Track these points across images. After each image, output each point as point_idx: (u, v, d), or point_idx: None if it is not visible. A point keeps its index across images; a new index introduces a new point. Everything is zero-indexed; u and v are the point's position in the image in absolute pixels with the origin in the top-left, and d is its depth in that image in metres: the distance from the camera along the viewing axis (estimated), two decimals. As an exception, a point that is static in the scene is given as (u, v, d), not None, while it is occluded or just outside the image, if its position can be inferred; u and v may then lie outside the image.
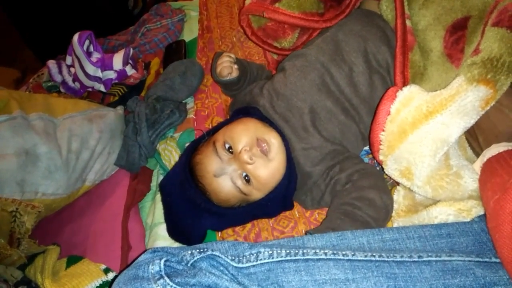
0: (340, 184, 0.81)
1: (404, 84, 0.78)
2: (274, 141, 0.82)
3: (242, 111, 0.91)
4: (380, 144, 0.73)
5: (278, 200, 0.84)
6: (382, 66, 0.86)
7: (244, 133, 0.82)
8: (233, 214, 0.85)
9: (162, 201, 0.92)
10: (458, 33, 0.78)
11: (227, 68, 1.01)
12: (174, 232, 0.89)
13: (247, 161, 0.78)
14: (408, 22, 0.82)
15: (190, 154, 0.88)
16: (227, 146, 0.81)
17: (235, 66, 1.03)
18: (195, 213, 0.85)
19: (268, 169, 0.80)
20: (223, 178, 0.80)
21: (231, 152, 0.81)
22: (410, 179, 0.72)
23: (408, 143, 0.69)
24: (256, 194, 0.82)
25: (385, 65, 0.86)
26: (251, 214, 0.87)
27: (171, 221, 0.89)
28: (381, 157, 0.74)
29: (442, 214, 0.70)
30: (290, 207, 0.87)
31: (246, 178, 0.80)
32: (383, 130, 0.72)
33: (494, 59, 0.67)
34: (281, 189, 0.83)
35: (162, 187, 0.92)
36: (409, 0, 0.84)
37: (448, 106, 0.66)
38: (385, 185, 0.80)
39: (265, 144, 0.81)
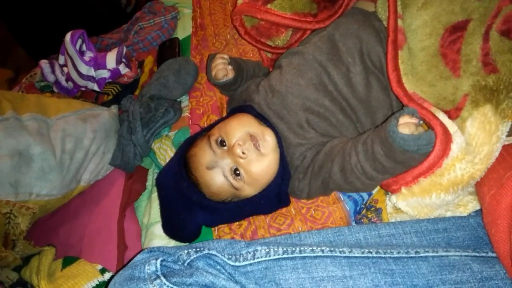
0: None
1: (399, 81, 0.77)
2: (268, 138, 0.82)
3: (237, 110, 0.91)
4: (408, 186, 0.69)
5: (273, 197, 0.84)
6: (377, 66, 0.85)
7: (238, 128, 0.82)
8: (226, 209, 0.85)
9: (158, 195, 0.93)
10: (458, 33, 0.75)
11: (221, 70, 1.01)
12: (167, 227, 0.89)
13: (239, 155, 0.78)
14: (400, 22, 0.81)
15: (186, 148, 0.88)
16: (221, 140, 0.82)
17: (230, 67, 1.02)
18: (188, 207, 0.85)
19: (260, 164, 0.80)
20: (215, 171, 0.81)
21: (225, 146, 0.81)
22: None
23: (426, 200, 0.67)
24: (248, 189, 0.82)
25: (379, 65, 0.86)
26: (246, 211, 0.87)
27: (165, 215, 0.89)
28: (399, 196, 0.71)
29: (438, 209, 0.70)
30: (286, 203, 0.87)
31: (237, 172, 0.80)
32: (425, 177, 0.67)
33: None
34: (274, 186, 0.83)
35: (158, 181, 0.92)
36: (407, 2, 0.83)
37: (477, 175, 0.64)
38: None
39: (258, 140, 0.81)
